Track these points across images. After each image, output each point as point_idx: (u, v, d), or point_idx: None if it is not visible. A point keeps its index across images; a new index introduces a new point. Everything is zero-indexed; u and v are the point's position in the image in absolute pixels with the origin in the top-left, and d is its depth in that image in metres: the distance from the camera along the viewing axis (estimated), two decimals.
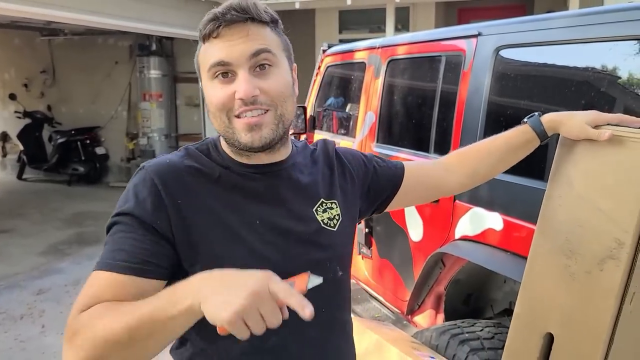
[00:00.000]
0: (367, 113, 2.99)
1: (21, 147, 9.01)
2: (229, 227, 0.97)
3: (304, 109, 3.65)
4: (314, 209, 1.07)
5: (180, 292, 0.77)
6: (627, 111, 1.62)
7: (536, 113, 1.30)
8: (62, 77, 9.17)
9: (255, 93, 0.94)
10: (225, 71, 0.95)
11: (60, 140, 8.51)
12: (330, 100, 3.66)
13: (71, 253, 5.54)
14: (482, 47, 2.16)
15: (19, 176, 9.11)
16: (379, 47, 2.94)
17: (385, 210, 1.30)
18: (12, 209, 7.11)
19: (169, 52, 8.32)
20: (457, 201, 2.25)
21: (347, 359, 1.15)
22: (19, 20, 6.86)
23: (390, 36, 5.67)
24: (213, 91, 0.97)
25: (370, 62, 3.02)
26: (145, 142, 8.18)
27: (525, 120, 1.30)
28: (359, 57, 3.18)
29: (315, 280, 0.81)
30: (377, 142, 2.90)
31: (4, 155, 9.88)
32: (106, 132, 8.89)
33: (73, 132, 8.56)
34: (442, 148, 2.36)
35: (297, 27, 8.61)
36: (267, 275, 0.74)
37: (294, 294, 0.72)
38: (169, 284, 0.90)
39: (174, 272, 0.93)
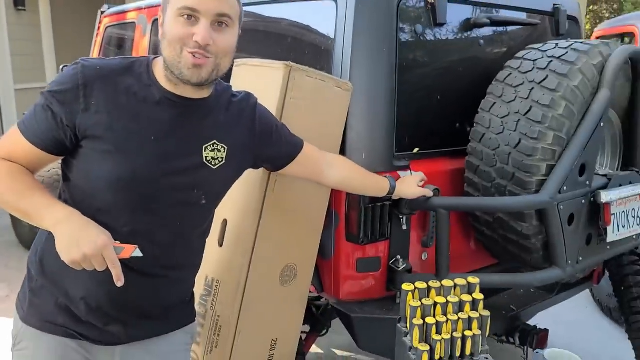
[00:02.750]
0: None
1: None
2: (130, 131, 1.18)
3: None
4: (204, 145, 1.27)
5: (49, 213, 1.12)
6: (304, 50, 2.09)
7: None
8: None
9: (210, 42, 1.15)
10: (191, 15, 1.14)
11: None
12: None
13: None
14: None
15: None
16: (145, 8, 3.18)
17: (277, 172, 1.58)
18: None
19: None
20: None
21: (188, 259, 1.39)
22: None
23: None
24: (176, 25, 1.15)
25: (139, 22, 3.24)
26: None
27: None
28: (130, 17, 3.38)
29: (138, 253, 1.12)
30: None
31: None
32: None
33: None
34: None
35: None
36: (105, 244, 1.08)
37: (116, 266, 1.09)
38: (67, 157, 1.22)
39: (66, 152, 1.20)
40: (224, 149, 1.31)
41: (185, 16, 1.15)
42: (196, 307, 1.80)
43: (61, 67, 3.06)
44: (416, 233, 2.05)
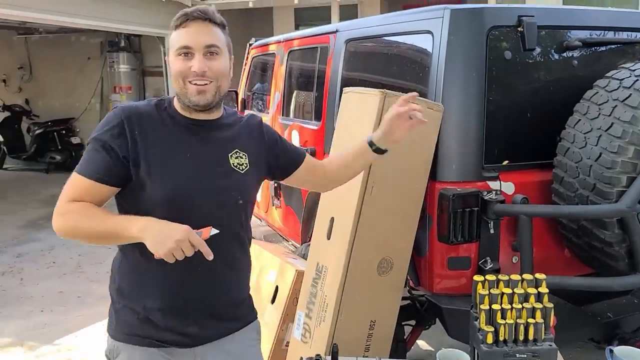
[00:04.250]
0: (275, 93, 3.80)
1: (1, 139, 9.65)
2: (169, 152, 1.40)
3: (236, 93, 4.45)
4: (228, 154, 1.48)
5: (132, 224, 1.27)
6: (417, 82, 2.43)
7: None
8: (38, 72, 9.85)
9: (205, 69, 1.37)
10: (187, 52, 1.38)
11: (37, 131, 9.20)
12: (257, 85, 4.46)
13: (48, 226, 6.17)
14: (339, 40, 2.97)
15: (0, 166, 9.77)
16: (283, 41, 3.75)
17: (281, 182, 1.72)
18: None
19: (137, 48, 9.05)
20: (325, 153, 3.05)
21: (240, 258, 1.54)
22: None
23: None
24: (177, 63, 1.39)
25: (277, 52, 3.82)
26: None
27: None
28: (271, 49, 3.98)
29: (214, 231, 1.29)
30: (282, 115, 3.71)
31: None
32: (80, 123, 9.58)
33: (49, 123, 9.25)
34: (317, 116, 3.16)
35: (257, 23, 9.39)
36: (188, 230, 1.23)
37: (202, 244, 1.24)
38: (123, 189, 1.39)
39: (126, 181, 1.38)
40: (245, 156, 1.50)
41: (182, 54, 1.38)
42: (309, 287, 2.24)
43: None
44: (506, 237, 2.26)
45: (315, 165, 1.74)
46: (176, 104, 1.47)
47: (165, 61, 6.19)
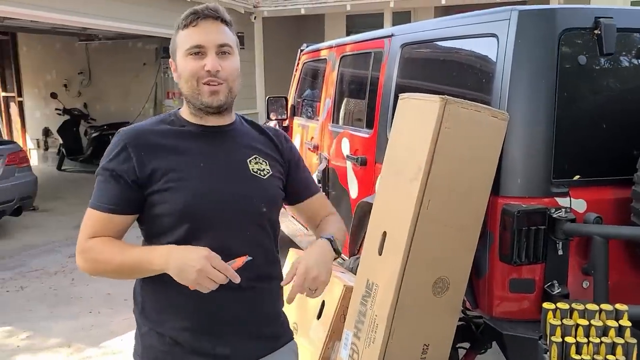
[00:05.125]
0: (326, 100, 3.69)
1: (61, 141, 10.04)
2: (181, 164, 1.32)
3: (286, 99, 4.38)
4: (247, 160, 1.39)
5: (154, 256, 1.22)
6: (479, 89, 2.27)
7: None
8: (96, 77, 10.18)
9: (218, 68, 1.30)
10: (198, 51, 1.30)
11: (94, 135, 9.50)
12: (307, 91, 4.37)
13: None
14: (394, 45, 2.84)
15: (59, 167, 10.15)
16: (335, 46, 3.64)
17: (286, 206, 1.56)
18: (52, 193, 8.05)
19: None
20: (377, 163, 2.92)
21: (268, 269, 1.43)
22: (59, 27, 7.80)
23: None
24: (188, 63, 1.31)
25: (329, 58, 3.72)
26: None
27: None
28: (322, 54, 3.89)
29: (248, 259, 1.23)
30: (332, 122, 3.60)
31: (46, 149, 10.95)
32: None
33: (106, 127, 9.52)
34: (369, 124, 3.04)
35: (309, 30, 9.38)
36: (209, 256, 1.17)
37: (228, 269, 1.18)
38: (141, 213, 1.32)
39: (142, 206, 1.31)
40: (265, 162, 1.41)
41: (194, 54, 1.30)
42: (357, 305, 2.11)
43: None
44: (576, 260, 2.06)
45: (322, 205, 1.58)
46: (184, 113, 1.40)
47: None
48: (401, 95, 2.12)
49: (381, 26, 8.38)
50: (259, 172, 1.39)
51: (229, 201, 1.33)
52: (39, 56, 10.60)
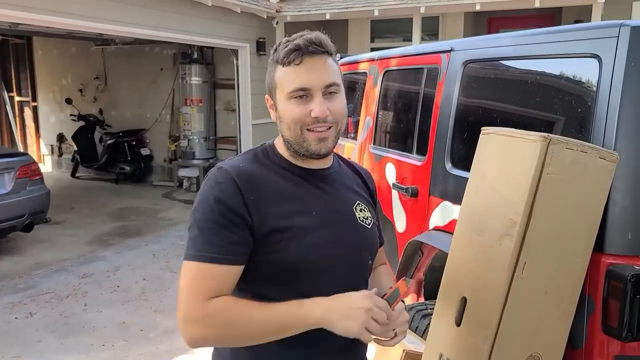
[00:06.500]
0: (366, 118, 3.32)
1: (75, 148, 9.77)
2: (293, 212, 1.19)
3: None
4: (353, 207, 1.30)
5: (307, 311, 1.09)
6: (572, 121, 1.90)
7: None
8: (112, 83, 9.90)
9: (327, 113, 1.18)
10: (304, 94, 1.18)
11: (109, 142, 9.21)
12: None
13: (114, 243, 6.09)
14: (454, 61, 2.47)
15: (73, 174, 9.89)
16: (377, 59, 3.27)
17: None
18: (65, 203, 7.78)
19: (209, 60, 8.86)
20: (431, 196, 2.55)
21: None
22: (75, 32, 7.53)
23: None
24: (291, 108, 1.19)
25: (370, 72, 3.35)
26: (186, 144, 8.72)
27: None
28: (362, 67, 3.52)
29: (408, 282, 1.17)
30: (374, 144, 3.23)
31: (60, 155, 10.70)
32: (151, 134, 9.52)
33: (121, 134, 9.24)
34: (422, 150, 2.67)
35: (332, 35, 8.98)
36: (369, 295, 1.10)
37: (388, 307, 1.11)
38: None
39: (249, 254, 1.16)
40: (367, 208, 1.33)
41: (298, 97, 1.18)
42: None
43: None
44: None
45: (381, 254, 1.49)
46: (282, 150, 1.28)
47: (236, 75, 5.80)
48: (484, 129, 1.74)
49: (407, 31, 8.00)
50: (364, 220, 1.31)
51: (343, 254, 1.24)
52: (55, 60, 10.36)
